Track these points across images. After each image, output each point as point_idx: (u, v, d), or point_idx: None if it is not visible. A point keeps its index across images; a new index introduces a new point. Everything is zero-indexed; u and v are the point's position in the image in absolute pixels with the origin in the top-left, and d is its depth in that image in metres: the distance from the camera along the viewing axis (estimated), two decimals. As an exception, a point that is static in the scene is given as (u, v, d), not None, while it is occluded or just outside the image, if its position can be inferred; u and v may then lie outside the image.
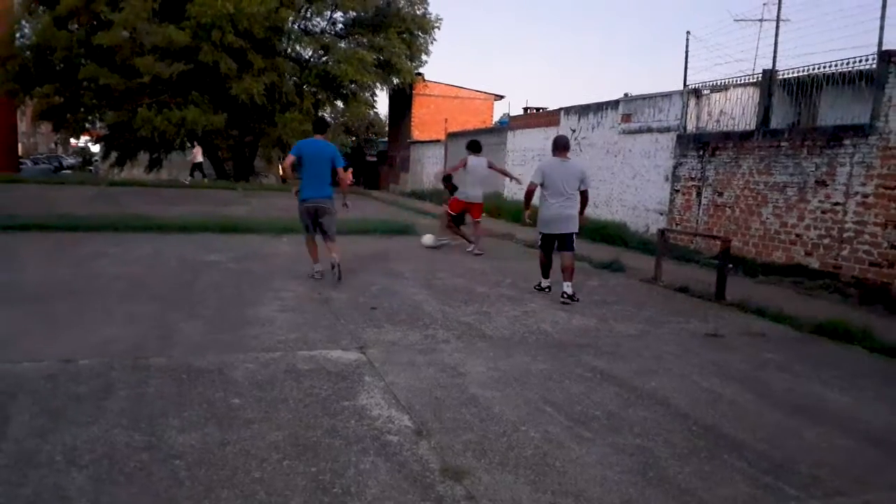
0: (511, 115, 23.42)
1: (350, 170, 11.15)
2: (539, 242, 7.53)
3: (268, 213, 13.27)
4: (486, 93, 29.63)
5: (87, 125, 28.17)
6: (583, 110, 14.82)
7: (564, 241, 7.25)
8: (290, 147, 26.41)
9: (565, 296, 6.98)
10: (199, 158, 24.38)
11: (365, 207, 15.98)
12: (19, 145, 36.80)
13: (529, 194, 7.50)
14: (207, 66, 22.91)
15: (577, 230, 7.32)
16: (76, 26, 24.05)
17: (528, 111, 23.82)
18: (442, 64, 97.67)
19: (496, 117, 29.30)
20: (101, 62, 23.08)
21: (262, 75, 23.50)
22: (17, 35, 25.06)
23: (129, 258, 8.32)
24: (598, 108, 14.23)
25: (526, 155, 17.42)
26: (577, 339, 5.57)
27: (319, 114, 24.99)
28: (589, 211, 13.69)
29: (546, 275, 7.54)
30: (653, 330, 6.11)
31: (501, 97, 30.14)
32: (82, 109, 25.59)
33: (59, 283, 6.71)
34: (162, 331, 5.18)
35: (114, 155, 28.61)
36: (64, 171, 39.34)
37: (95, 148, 42.10)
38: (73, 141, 48.72)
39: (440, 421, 3.67)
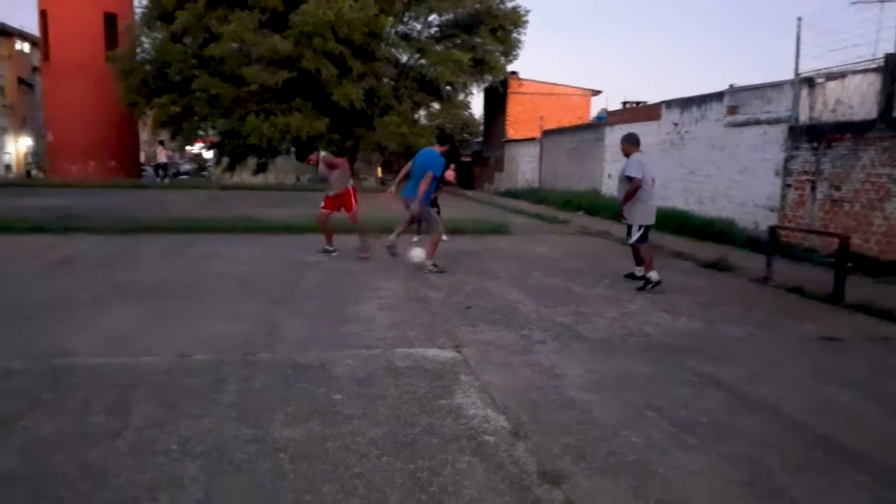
0: (609, 110, 22.89)
1: (451, 166, 11.22)
2: (638, 237, 7.47)
3: (367, 215, 13.58)
4: (582, 88, 29.05)
5: (200, 133, 29.83)
6: (685, 103, 14.25)
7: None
8: (388, 150, 27.10)
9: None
10: (163, 159, 25.55)
11: (459, 207, 16.07)
12: (141, 153, 39.61)
13: (637, 189, 7.33)
14: (309, 73, 23.73)
15: None
16: (190, 39, 25.54)
17: (627, 106, 23.18)
18: (537, 61, 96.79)
19: (593, 113, 28.71)
20: (213, 73, 24.41)
21: (362, 80, 24.09)
22: (138, 50, 26.92)
23: (238, 258, 8.75)
24: (702, 100, 13.64)
25: (625, 151, 16.97)
26: (681, 342, 5.36)
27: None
28: (694, 207, 13.30)
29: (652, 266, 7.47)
30: (763, 333, 5.78)
31: (599, 92, 29.42)
32: (196, 118, 27.12)
33: (175, 281, 7.15)
34: (268, 327, 5.40)
35: (225, 160, 30.19)
36: (181, 177, 42.04)
37: (209, 154, 44.55)
38: (188, 148, 51.85)
39: (537, 423, 3.62)
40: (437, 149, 8.32)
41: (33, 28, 33.97)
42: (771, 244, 8.31)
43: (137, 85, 26.16)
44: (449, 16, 26.76)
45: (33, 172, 39.30)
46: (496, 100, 29.66)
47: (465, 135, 38.39)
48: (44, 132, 34.02)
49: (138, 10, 27.84)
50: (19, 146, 42.57)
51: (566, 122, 24.53)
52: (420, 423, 3.56)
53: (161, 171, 27.16)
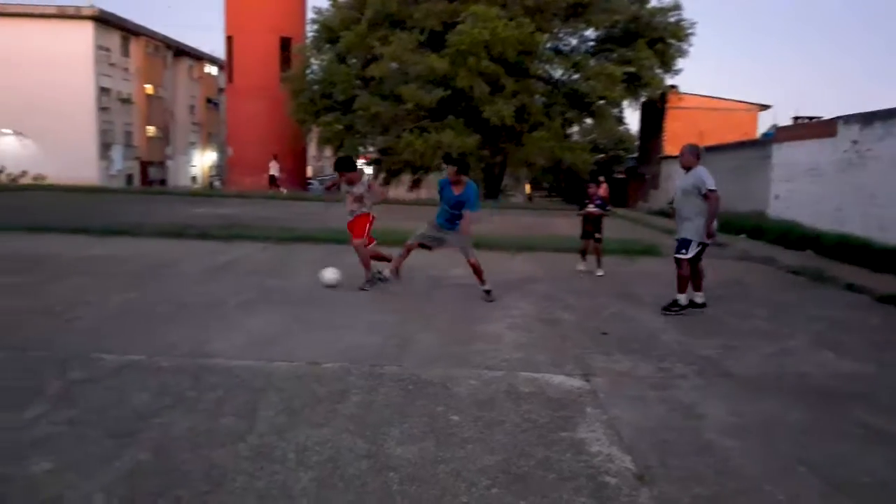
0: (780, 126, 21.20)
1: (601, 178, 10.63)
2: (692, 254, 6.94)
3: (509, 231, 13.52)
4: (748, 103, 27.23)
5: (360, 149, 31.44)
6: (867, 119, 12.79)
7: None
8: (536, 167, 26.94)
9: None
10: (275, 171, 26.25)
11: (608, 226, 15.52)
12: (308, 167, 42.49)
13: (718, 203, 6.90)
14: (462, 91, 24.22)
15: None
16: (353, 60, 27.04)
17: (799, 121, 21.34)
18: (700, 74, 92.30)
19: (762, 129, 26.77)
20: (373, 92, 25.65)
21: (514, 98, 24.20)
22: (308, 71, 28.92)
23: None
24: (888, 115, 12.15)
25: (794, 170, 15.56)
26: (846, 387, 4.71)
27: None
28: (874, 234, 11.87)
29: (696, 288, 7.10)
30: (954, 384, 4.95)
31: (767, 107, 27.49)
32: (357, 135, 28.60)
33: (319, 290, 7.44)
34: (398, 340, 5.45)
35: (382, 176, 31.58)
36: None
37: (369, 170, 46.91)
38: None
39: (667, 467, 3.31)
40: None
41: (221, 52, 37.55)
42: (970, 280, 7.18)
43: (306, 104, 28.09)
44: (603, 31, 26.22)
45: (215, 184, 43.37)
46: (653, 115, 28.60)
47: (620, 151, 37.37)
48: (225, 147, 37.41)
49: (309, 34, 29.91)
50: (204, 160, 47.22)
51: (730, 139, 23.06)
52: (536, 455, 3.37)
53: (274, 182, 28.82)
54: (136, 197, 23.57)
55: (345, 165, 7.98)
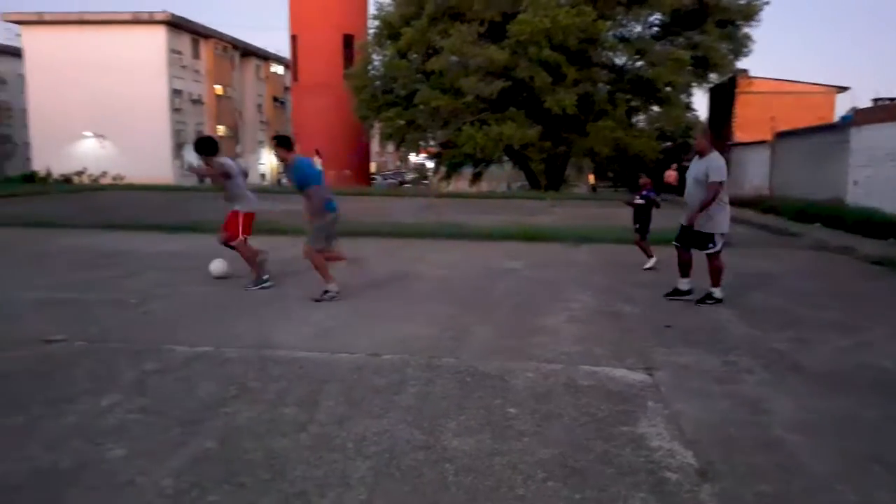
0: (859, 108, 20.13)
1: (673, 166, 10.31)
2: (719, 246, 6.65)
3: (571, 223, 13.35)
4: (825, 85, 25.91)
5: (421, 143, 31.65)
6: (957, 97, 12.02)
7: None
8: (601, 156, 26.45)
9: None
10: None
11: (675, 215, 15.14)
12: (373, 163, 43.12)
13: (717, 195, 6.50)
14: (523, 82, 24.03)
15: None
16: (414, 55, 27.21)
17: (880, 102, 20.20)
18: (773, 57, 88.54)
19: (840, 112, 25.48)
20: (433, 86, 25.76)
21: (576, 86, 23.85)
22: (369, 67, 29.27)
23: (440, 263, 9.02)
24: (981, 92, 11.39)
25: (875, 154, 14.76)
26: (929, 383, 4.46)
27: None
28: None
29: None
30: None
31: (845, 89, 26.01)
32: (418, 129, 28.81)
33: (380, 283, 7.56)
34: (456, 332, 5.47)
35: (442, 169, 31.73)
36: (405, 185, 45.23)
37: (430, 164, 47.31)
38: (412, 158, 55.37)
39: (730, 464, 3.21)
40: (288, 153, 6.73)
41: (286, 52, 38.42)
42: None
43: (368, 99, 28.47)
44: (668, 15, 25.49)
45: (283, 181, 44.49)
46: (723, 100, 27.60)
47: (688, 138, 36.30)
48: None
49: (370, 31, 30.26)
50: (273, 157, 48.47)
51: (805, 124, 22.05)
52: (595, 448, 3.33)
53: None
54: (208, 195, 24.42)
55: (201, 147, 7.09)
